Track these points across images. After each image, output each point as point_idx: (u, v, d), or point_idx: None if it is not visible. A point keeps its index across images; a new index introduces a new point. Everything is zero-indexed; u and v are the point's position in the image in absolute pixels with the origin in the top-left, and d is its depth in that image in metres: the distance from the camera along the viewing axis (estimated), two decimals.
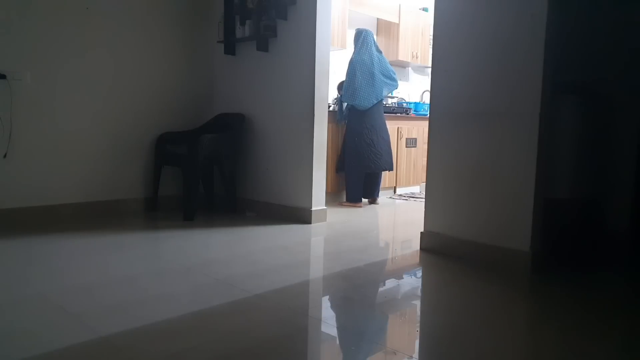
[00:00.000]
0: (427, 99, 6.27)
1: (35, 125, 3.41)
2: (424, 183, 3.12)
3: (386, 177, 5.19)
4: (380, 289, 2.33)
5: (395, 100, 5.84)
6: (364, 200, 4.70)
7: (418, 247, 2.98)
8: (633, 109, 3.04)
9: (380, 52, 4.62)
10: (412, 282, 2.47)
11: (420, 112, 5.89)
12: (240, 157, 4.07)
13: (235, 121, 4.00)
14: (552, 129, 2.62)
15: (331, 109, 4.79)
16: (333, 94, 5.27)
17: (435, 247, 2.89)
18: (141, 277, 2.36)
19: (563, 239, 2.94)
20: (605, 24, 3.09)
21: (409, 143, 5.44)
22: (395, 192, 5.39)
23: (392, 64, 6.09)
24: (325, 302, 2.18)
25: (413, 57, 6.05)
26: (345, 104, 4.60)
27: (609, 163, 3.11)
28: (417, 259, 2.80)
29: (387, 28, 5.94)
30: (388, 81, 4.52)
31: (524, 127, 2.51)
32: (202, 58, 4.29)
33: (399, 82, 4.88)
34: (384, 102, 5.23)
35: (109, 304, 1.99)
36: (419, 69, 6.66)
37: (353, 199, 4.54)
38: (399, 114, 5.37)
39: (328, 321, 1.89)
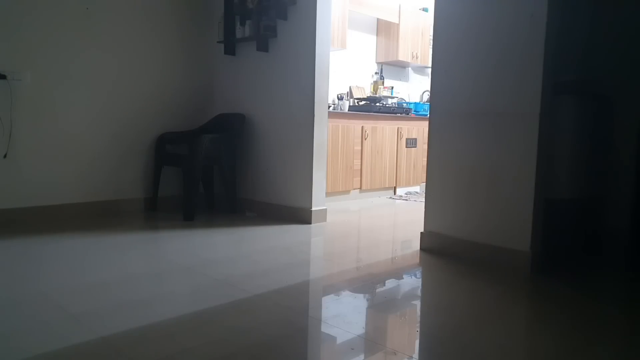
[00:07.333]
0: (427, 99, 6.27)
1: (35, 125, 3.41)
2: (424, 183, 3.12)
3: (386, 177, 5.20)
4: (380, 289, 2.33)
5: (395, 100, 5.83)
6: None
7: (418, 247, 2.98)
8: (633, 108, 3.04)
9: None
10: (412, 282, 2.47)
11: (420, 112, 5.89)
12: (240, 157, 4.07)
13: (235, 121, 4.00)
14: (552, 129, 2.62)
15: (331, 108, 4.79)
16: (333, 94, 5.27)
17: (435, 247, 2.89)
18: (141, 277, 2.36)
19: (563, 239, 2.94)
20: (604, 24, 3.09)
21: (409, 143, 5.44)
22: (395, 192, 5.39)
23: (392, 64, 6.13)
24: (325, 302, 2.17)
25: (413, 57, 6.04)
26: None
27: (608, 163, 3.11)
28: (417, 259, 2.81)
29: (387, 28, 5.94)
30: None
31: (524, 127, 2.51)
32: (202, 58, 4.29)
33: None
34: (384, 103, 5.22)
35: (109, 304, 1.99)
36: (419, 69, 6.65)
37: None
38: (399, 114, 5.36)
39: (328, 321, 1.89)
